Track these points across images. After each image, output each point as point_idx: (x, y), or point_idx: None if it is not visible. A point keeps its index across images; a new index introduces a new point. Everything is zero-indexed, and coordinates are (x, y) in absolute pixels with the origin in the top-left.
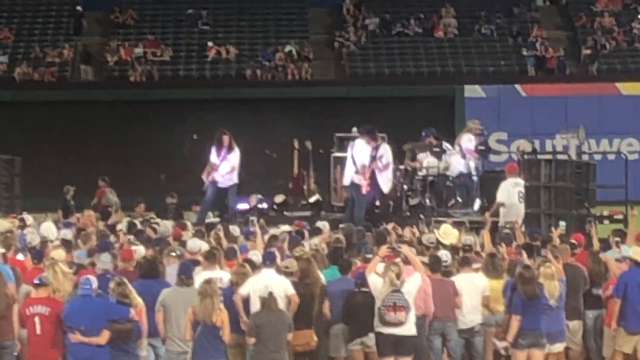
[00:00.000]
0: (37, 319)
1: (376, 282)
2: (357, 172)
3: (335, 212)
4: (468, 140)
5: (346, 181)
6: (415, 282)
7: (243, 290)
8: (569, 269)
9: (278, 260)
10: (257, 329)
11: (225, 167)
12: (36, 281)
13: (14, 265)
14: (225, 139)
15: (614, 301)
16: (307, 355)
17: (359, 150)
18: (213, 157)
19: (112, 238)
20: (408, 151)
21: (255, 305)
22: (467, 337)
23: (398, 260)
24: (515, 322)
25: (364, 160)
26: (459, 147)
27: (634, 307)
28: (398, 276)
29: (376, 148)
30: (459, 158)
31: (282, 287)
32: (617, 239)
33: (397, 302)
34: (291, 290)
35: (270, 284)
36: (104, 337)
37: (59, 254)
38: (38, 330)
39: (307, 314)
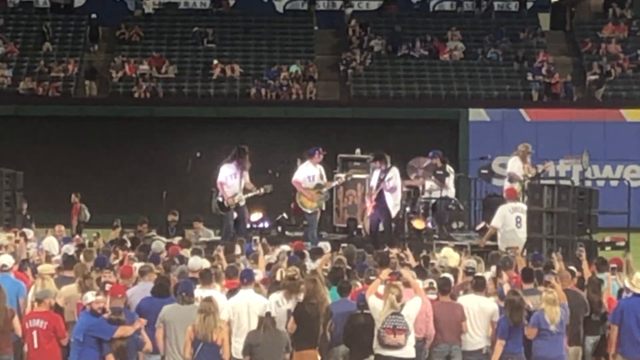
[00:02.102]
0: (34, 333)
1: (376, 305)
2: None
3: (337, 233)
4: (513, 163)
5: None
6: (415, 306)
7: (223, 316)
8: (569, 295)
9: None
10: (251, 348)
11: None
12: (38, 297)
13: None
14: (247, 158)
15: (612, 328)
16: None
17: (297, 172)
18: (227, 174)
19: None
20: (409, 169)
21: (238, 327)
22: (475, 359)
23: (399, 283)
24: (499, 347)
25: (296, 179)
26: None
27: (630, 334)
28: (398, 298)
29: (385, 171)
30: (506, 181)
31: (261, 308)
32: (613, 265)
33: (397, 325)
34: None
35: (250, 305)
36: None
37: (47, 268)
38: (35, 344)
39: (311, 334)
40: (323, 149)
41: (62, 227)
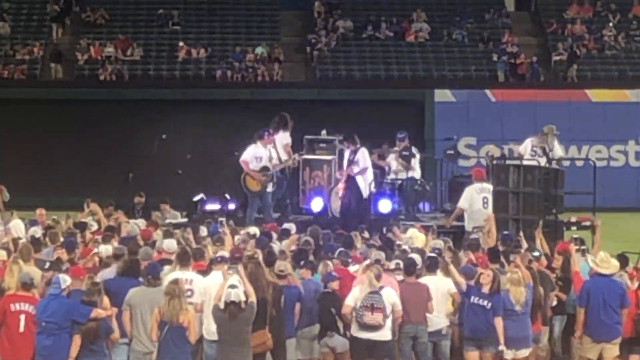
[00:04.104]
0: (22, 317)
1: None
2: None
3: (303, 214)
4: (558, 146)
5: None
6: (394, 293)
7: (196, 299)
8: (539, 275)
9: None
10: (217, 327)
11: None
12: (24, 280)
13: None
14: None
15: (578, 310)
16: (264, 356)
17: (244, 153)
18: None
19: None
20: (376, 153)
21: (209, 308)
22: (434, 340)
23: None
24: (501, 324)
25: (244, 158)
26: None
27: (597, 315)
28: (377, 278)
29: (354, 152)
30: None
31: (226, 294)
32: (583, 247)
33: (375, 303)
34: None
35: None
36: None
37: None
38: (22, 328)
39: (259, 315)
40: (274, 130)
41: (43, 211)
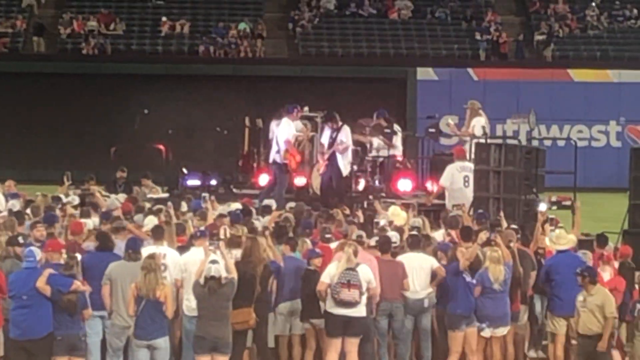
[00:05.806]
0: None
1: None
2: (278, 151)
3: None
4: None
5: (270, 159)
6: (369, 270)
7: (177, 275)
8: (519, 254)
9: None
10: (197, 302)
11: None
12: None
13: None
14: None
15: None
16: (246, 333)
17: (282, 129)
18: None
19: (58, 211)
20: (357, 126)
21: (189, 284)
22: (415, 314)
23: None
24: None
25: (287, 137)
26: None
27: (557, 292)
28: (355, 254)
29: (337, 130)
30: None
31: (207, 269)
32: (561, 225)
33: (352, 280)
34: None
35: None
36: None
37: None
38: None
39: (247, 293)
40: (302, 106)
41: (12, 183)
